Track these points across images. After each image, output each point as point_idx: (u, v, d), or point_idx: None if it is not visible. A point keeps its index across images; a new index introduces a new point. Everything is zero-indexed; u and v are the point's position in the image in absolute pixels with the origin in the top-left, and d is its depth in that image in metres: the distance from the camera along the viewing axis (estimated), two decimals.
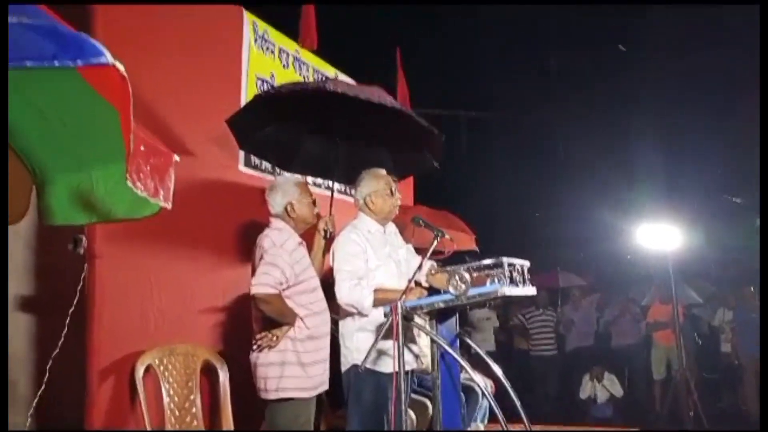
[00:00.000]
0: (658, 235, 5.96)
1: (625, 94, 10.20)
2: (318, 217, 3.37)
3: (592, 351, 8.70)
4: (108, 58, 1.38)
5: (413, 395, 3.87)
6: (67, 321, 3.15)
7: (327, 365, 3.15)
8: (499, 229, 10.27)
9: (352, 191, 3.49)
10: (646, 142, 10.09)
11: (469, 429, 4.27)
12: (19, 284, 3.97)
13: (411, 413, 3.59)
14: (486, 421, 4.55)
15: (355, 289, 3.05)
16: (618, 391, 8.06)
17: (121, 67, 1.43)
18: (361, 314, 3.08)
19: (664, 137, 10.21)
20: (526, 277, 2.96)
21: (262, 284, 2.91)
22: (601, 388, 8.03)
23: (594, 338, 8.97)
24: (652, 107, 10.22)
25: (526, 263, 2.98)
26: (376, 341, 2.84)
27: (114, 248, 3.23)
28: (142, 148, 1.61)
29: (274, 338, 3.01)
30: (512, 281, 2.83)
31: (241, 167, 4.22)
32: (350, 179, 3.66)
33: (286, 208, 3.20)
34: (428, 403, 3.84)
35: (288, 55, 4.75)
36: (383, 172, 3.38)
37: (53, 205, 2.34)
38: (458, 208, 5.94)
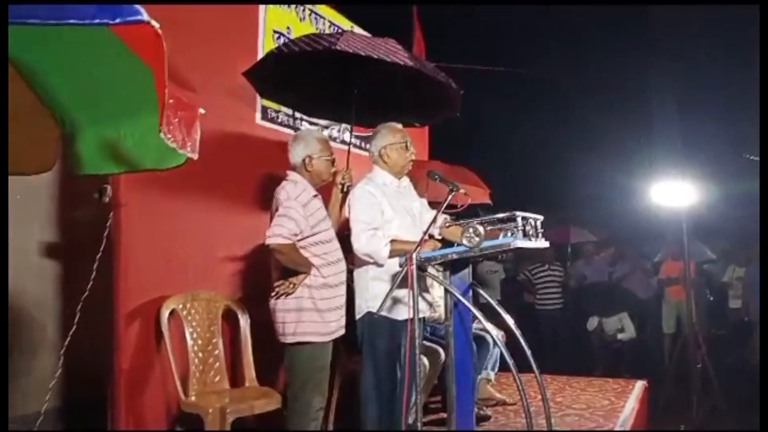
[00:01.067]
0: (673, 192, 5.96)
1: (641, 49, 10.04)
2: (334, 175, 3.43)
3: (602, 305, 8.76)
4: (144, 15, 1.46)
5: (426, 343, 3.99)
6: (95, 267, 3.28)
7: (343, 312, 3.25)
8: (513, 186, 10.28)
9: (368, 145, 3.54)
10: (662, 99, 9.97)
11: (479, 378, 4.40)
12: (43, 233, 4.12)
13: (424, 359, 3.70)
14: (496, 371, 4.68)
15: (372, 239, 3.13)
16: (629, 329, 8.09)
17: (156, 24, 1.51)
18: (377, 264, 3.17)
19: (680, 93, 10.08)
20: (539, 230, 3.02)
21: (275, 235, 2.99)
22: (608, 322, 8.08)
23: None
24: (668, 62, 10.06)
25: (540, 217, 3.02)
26: (391, 289, 2.92)
27: (138, 198, 3.33)
28: (171, 100, 1.68)
29: (291, 286, 3.10)
30: (525, 234, 2.89)
31: (259, 120, 4.28)
32: (368, 125, 3.72)
33: (304, 160, 3.26)
34: (440, 350, 3.96)
35: (304, 8, 4.74)
36: (399, 126, 3.42)
37: (82, 156, 2.43)
38: (472, 163, 5.96)
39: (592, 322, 8.22)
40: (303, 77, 3.62)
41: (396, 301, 3.09)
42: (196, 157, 1.96)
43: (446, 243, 3.28)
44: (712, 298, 9.03)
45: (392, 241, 3.16)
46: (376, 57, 3.10)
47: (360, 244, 3.15)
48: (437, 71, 3.44)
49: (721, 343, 8.43)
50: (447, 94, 3.64)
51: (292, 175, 3.26)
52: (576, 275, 9.03)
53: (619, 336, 8.01)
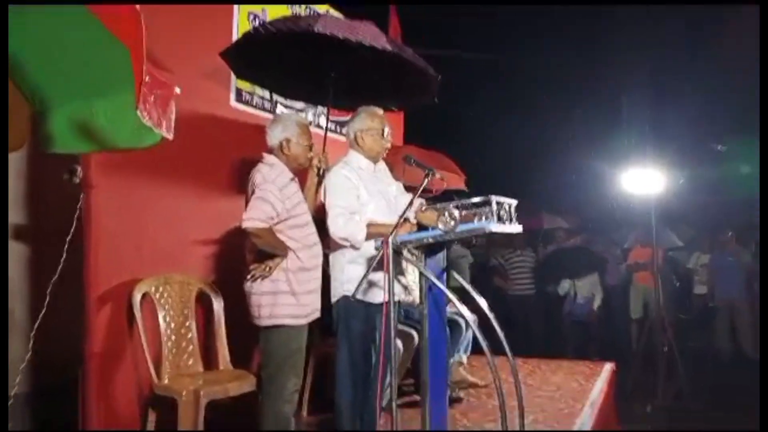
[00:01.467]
0: (642, 180, 6.07)
1: (613, 38, 10.13)
2: (310, 160, 3.40)
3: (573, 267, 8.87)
4: None
5: (400, 326, 4.02)
6: (65, 249, 3.23)
7: (318, 295, 3.25)
8: (487, 172, 10.34)
9: (344, 130, 3.53)
10: (632, 88, 10.11)
11: (452, 360, 4.45)
12: (11, 213, 4.02)
13: (398, 343, 3.73)
14: (469, 354, 4.73)
15: (349, 223, 3.14)
16: (597, 290, 8.41)
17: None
18: (353, 247, 3.18)
19: (650, 81, 10.23)
20: (513, 215, 3.05)
21: (252, 219, 2.97)
22: (581, 286, 8.37)
23: None
24: (639, 50, 10.19)
25: (514, 202, 3.05)
26: (367, 272, 2.93)
27: (109, 179, 3.28)
28: (147, 78, 1.65)
29: (267, 269, 3.09)
30: (499, 219, 2.92)
31: (233, 102, 4.24)
32: (344, 108, 3.70)
33: (281, 143, 3.23)
34: (414, 333, 3.99)
35: None
36: (379, 111, 3.41)
37: (53, 134, 2.37)
38: (447, 149, 5.98)
39: (564, 286, 8.39)
40: (280, 59, 3.60)
41: (371, 284, 3.10)
42: (171, 136, 1.93)
43: (421, 227, 3.30)
44: (678, 284, 9.23)
45: (369, 224, 3.17)
46: (354, 40, 3.09)
47: (337, 227, 3.15)
48: (416, 56, 3.43)
49: (686, 328, 8.65)
50: (424, 79, 3.64)
51: (268, 158, 3.24)
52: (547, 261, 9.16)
53: (594, 306, 8.28)
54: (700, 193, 9.94)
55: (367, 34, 3.16)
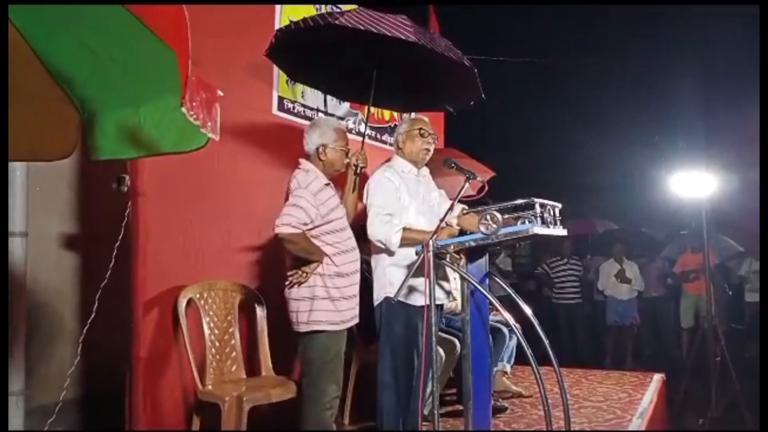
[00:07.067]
0: (693, 183, 5.87)
1: (662, 37, 9.88)
2: (347, 166, 3.38)
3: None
4: None
5: (442, 334, 3.97)
6: (113, 256, 3.30)
7: (357, 301, 3.23)
8: (530, 176, 10.19)
9: (383, 137, 3.51)
10: (684, 87, 9.84)
11: (495, 369, 4.38)
12: (62, 224, 4.14)
13: (440, 350, 3.69)
14: (512, 363, 4.66)
15: (384, 225, 3.12)
16: (636, 275, 8.40)
17: None
18: (388, 251, 3.16)
19: (703, 81, 9.94)
20: (557, 218, 2.98)
21: (284, 224, 2.97)
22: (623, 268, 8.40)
23: None
24: (689, 51, 9.92)
25: (558, 205, 2.98)
26: (407, 276, 2.90)
27: (156, 187, 3.34)
28: (193, 78, 1.67)
29: (304, 275, 3.09)
30: (543, 222, 2.85)
31: (275, 110, 4.28)
32: (392, 107, 3.61)
33: (318, 149, 3.23)
34: (456, 342, 3.94)
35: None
36: (424, 117, 3.42)
37: (101, 141, 2.41)
38: (491, 154, 5.90)
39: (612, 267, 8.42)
40: (323, 57, 3.56)
41: (413, 288, 3.08)
42: (217, 138, 1.94)
43: (462, 232, 3.26)
44: (730, 293, 8.90)
45: (406, 229, 3.14)
46: (375, 32, 3.00)
47: (373, 228, 3.15)
48: (452, 48, 3.31)
49: (740, 337, 8.34)
50: (467, 74, 3.52)
51: (304, 164, 3.24)
52: (594, 269, 8.97)
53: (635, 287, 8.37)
54: (751, 197, 9.58)
55: (393, 25, 3.06)
